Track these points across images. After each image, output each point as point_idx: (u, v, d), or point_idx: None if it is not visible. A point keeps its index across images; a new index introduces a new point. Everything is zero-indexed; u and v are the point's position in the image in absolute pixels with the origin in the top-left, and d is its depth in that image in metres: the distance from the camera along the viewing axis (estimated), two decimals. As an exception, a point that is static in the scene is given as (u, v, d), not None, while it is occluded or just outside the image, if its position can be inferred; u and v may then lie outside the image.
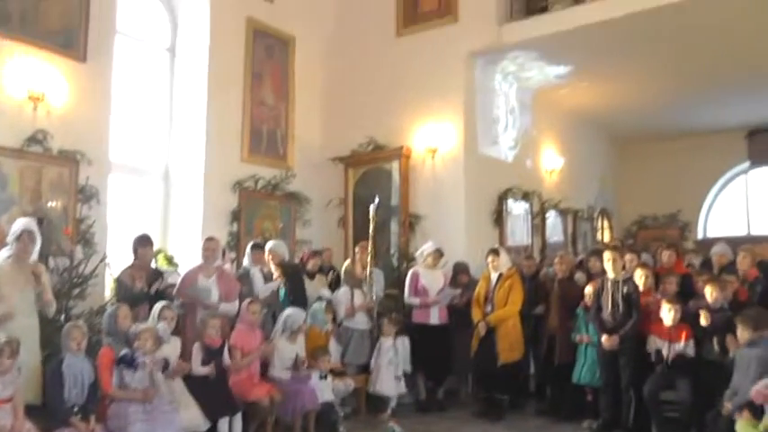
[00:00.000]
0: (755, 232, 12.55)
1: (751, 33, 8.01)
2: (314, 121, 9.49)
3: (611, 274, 6.09)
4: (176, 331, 5.38)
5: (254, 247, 6.88)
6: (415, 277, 7.14)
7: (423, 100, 8.73)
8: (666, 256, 6.97)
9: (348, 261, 7.34)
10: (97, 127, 6.84)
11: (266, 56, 8.85)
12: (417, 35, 8.96)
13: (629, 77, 9.67)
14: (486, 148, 9.03)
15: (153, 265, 6.43)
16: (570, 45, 8.43)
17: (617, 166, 13.41)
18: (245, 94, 8.48)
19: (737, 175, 12.88)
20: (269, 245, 6.91)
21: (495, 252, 6.84)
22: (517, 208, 9.50)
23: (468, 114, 8.63)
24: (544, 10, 8.35)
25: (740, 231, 12.66)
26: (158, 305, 5.34)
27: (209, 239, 6.12)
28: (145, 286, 5.75)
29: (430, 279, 7.08)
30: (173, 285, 6.05)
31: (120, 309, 5.06)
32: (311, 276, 7.13)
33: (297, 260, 7.59)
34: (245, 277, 6.57)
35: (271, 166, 8.73)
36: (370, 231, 7.04)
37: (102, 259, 6.41)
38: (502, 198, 9.15)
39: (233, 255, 7.74)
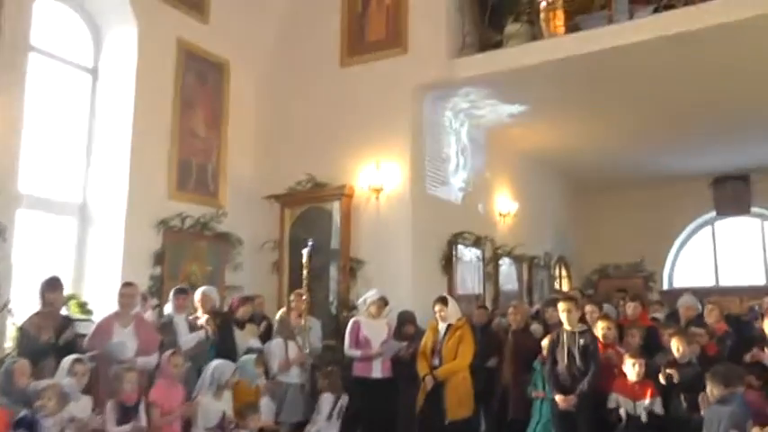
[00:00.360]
0: (724, 283, 12.96)
1: (717, 77, 8.34)
2: (248, 155, 9.57)
3: (566, 326, 6.20)
4: (88, 388, 5.22)
5: (178, 292, 6.82)
6: (357, 327, 7.16)
7: (367, 135, 8.86)
8: (631, 308, 7.16)
9: (282, 310, 7.35)
10: (5, 154, 6.66)
11: (198, 82, 8.93)
12: (363, 66, 9.10)
13: (589, 119, 10.02)
14: (435, 189, 9.18)
15: (63, 312, 6.30)
16: (525, 83, 8.68)
17: (576, 211, 13.76)
18: (173, 124, 8.48)
19: (704, 225, 13.34)
20: (201, 289, 6.93)
21: (443, 301, 6.92)
22: (468, 254, 9.64)
23: (416, 152, 8.78)
24: (498, 45, 8.62)
25: (707, 282, 13.08)
26: (68, 359, 5.18)
27: (127, 285, 6.04)
28: (52, 337, 5.60)
29: (373, 329, 7.12)
30: (84, 336, 5.91)
31: (17, 363, 4.85)
32: (241, 326, 7.08)
33: (226, 308, 7.56)
34: (167, 326, 6.52)
35: (200, 204, 8.73)
36: (304, 277, 7.04)
37: (5, 305, 6.23)
38: (452, 243, 9.25)
39: (155, 301, 7.68)
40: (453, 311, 6.92)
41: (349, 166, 8.94)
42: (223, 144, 9.19)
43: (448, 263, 9.16)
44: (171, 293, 6.88)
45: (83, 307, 7.33)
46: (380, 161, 8.73)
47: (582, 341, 6.11)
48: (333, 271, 8.82)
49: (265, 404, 6.34)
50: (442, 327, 6.89)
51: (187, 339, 6.47)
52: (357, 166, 8.91)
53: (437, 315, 6.91)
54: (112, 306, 6.03)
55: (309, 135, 9.34)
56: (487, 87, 8.87)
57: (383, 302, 7.31)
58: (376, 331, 7.13)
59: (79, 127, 7.97)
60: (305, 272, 6.90)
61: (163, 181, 8.34)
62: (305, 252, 6.94)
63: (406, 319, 7.67)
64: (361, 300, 7.50)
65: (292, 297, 7.38)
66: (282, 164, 9.40)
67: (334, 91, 9.24)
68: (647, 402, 5.71)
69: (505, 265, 10.57)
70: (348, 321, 7.41)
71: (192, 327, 6.63)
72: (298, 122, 9.53)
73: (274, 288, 9.09)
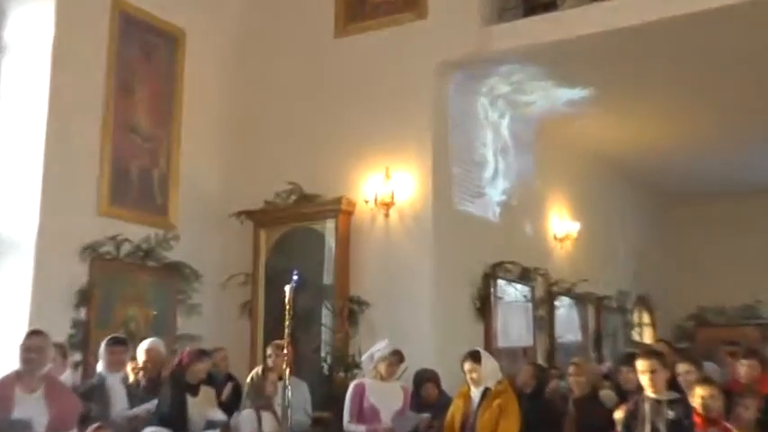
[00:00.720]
0: None
1: None
2: (210, 158, 9.59)
3: (649, 392, 6.00)
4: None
5: (113, 342, 6.83)
6: (360, 393, 7.02)
7: (373, 131, 8.90)
8: (745, 367, 7.02)
9: (256, 368, 7.21)
10: None
11: (142, 58, 8.92)
12: (366, 36, 9.11)
13: (678, 108, 10.01)
14: (466, 204, 9.20)
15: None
16: (589, 59, 8.68)
17: (662, 234, 13.76)
18: (106, 115, 8.47)
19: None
20: (146, 343, 6.98)
21: (475, 357, 6.76)
22: (512, 292, 9.58)
23: (440, 154, 8.76)
24: (551, 7, 8.58)
25: None
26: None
27: (33, 334, 5.78)
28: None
29: (382, 396, 6.97)
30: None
31: None
32: (194, 390, 6.91)
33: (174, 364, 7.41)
34: (98, 390, 6.52)
35: (142, 223, 8.71)
36: (287, 324, 6.86)
37: None
38: (489, 277, 9.26)
39: (77, 356, 7.71)
40: (491, 371, 6.77)
41: (348, 173, 8.98)
42: (175, 142, 9.18)
43: (484, 304, 9.14)
44: (102, 345, 6.87)
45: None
46: (391, 166, 8.74)
47: (672, 414, 5.89)
48: (325, 315, 8.82)
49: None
50: (475, 393, 6.74)
51: (133, 412, 6.53)
52: (359, 172, 8.95)
53: (468, 377, 6.76)
54: (15, 363, 5.76)
55: (294, 131, 9.39)
56: (536, 64, 8.86)
57: (397, 359, 7.21)
58: (387, 398, 7.00)
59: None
60: (288, 316, 6.69)
61: (90, 192, 8.33)
62: (288, 289, 6.73)
63: (426, 380, 7.64)
64: (366, 355, 7.36)
65: (269, 351, 7.36)
66: (257, 169, 9.44)
67: (327, 71, 9.26)
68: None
69: (564, 307, 10.55)
70: (347, 385, 7.35)
71: (135, 393, 6.65)
72: (277, 114, 9.57)
73: (244, 338, 9.10)
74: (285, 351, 6.69)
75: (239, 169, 9.65)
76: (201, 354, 7.26)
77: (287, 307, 6.49)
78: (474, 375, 6.74)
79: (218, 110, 9.76)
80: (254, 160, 9.58)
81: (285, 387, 6.51)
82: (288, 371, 6.62)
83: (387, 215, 8.79)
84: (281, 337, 6.90)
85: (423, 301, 8.50)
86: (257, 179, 9.38)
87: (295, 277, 6.64)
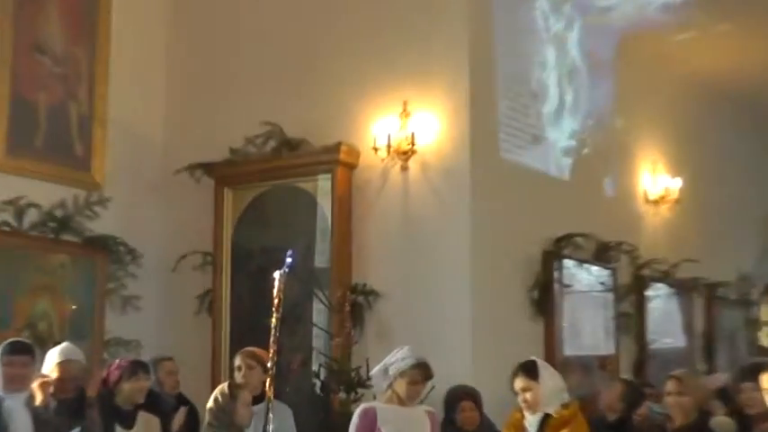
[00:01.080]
0: None
1: None
2: (152, 91, 9.68)
3: (780, 417, 5.82)
4: None
5: (12, 351, 6.79)
6: (370, 422, 6.90)
7: (384, 50, 8.88)
8: None
9: (222, 387, 7.03)
10: None
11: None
12: None
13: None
14: (517, 153, 9.15)
15: None
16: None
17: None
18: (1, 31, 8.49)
19: None
20: (58, 349, 6.98)
21: (529, 371, 6.51)
22: (584, 278, 9.53)
23: (480, 81, 8.63)
24: None
25: None
26: None
27: None
28: None
29: (401, 424, 6.88)
30: None
31: None
32: (127, 419, 6.96)
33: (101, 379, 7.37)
34: None
35: (55, 182, 8.78)
36: (273, 324, 6.62)
37: None
38: (551, 256, 9.22)
39: None
40: (552, 391, 6.51)
41: (348, 110, 8.95)
42: (100, 67, 9.22)
43: (544, 295, 9.08)
44: (-1, 353, 6.78)
45: None
46: (410, 100, 8.62)
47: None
48: (318, 312, 8.83)
49: None
50: (531, 421, 6.50)
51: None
52: (364, 108, 8.88)
53: (521, 398, 6.52)
54: None
55: (271, 52, 9.45)
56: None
57: (421, 373, 7.01)
58: (407, 428, 6.91)
59: None
60: (275, 314, 6.47)
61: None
62: (277, 277, 6.50)
63: (461, 400, 7.65)
64: (377, 368, 7.18)
65: (238, 361, 7.32)
66: (219, 107, 9.49)
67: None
68: None
69: (660, 298, 10.44)
70: (351, 410, 7.36)
71: (44, 419, 6.63)
72: (247, 29, 9.64)
73: (203, 344, 9.16)
74: (267, 361, 6.43)
75: (194, 107, 9.70)
76: (138, 367, 7.21)
77: (275, 302, 6.28)
78: (529, 396, 6.48)
79: (164, 23, 9.87)
80: (214, 94, 9.61)
81: (267, 412, 6.14)
82: (270, 390, 6.32)
83: (404, 168, 8.71)
84: (255, 343, 7.14)
85: (456, 290, 8.35)
86: (219, 120, 9.43)
87: (288, 259, 6.42)
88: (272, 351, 6.01)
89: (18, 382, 6.72)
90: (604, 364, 9.43)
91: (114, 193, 9.08)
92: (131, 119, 9.40)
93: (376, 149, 8.75)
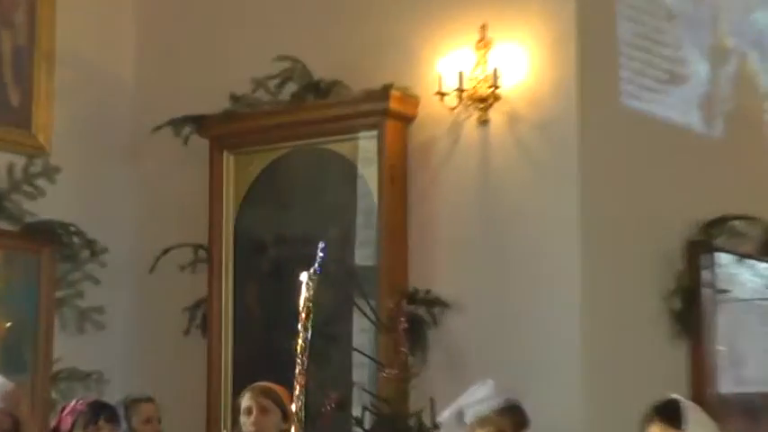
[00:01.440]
0: None
1: None
2: (120, 14, 9.19)
3: None
4: None
5: None
6: None
7: None
8: None
9: None
10: None
11: None
12: None
13: None
14: (647, 101, 8.67)
15: None
16: None
17: None
18: None
19: None
20: None
21: (668, 417, 5.20)
22: (748, 280, 8.86)
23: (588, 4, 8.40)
24: None
25: None
26: None
27: None
28: None
29: None
30: None
31: None
32: None
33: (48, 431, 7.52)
34: None
35: None
36: (299, 348, 5.21)
37: None
38: (699, 248, 8.64)
39: None
40: None
41: (401, 40, 8.29)
42: None
43: (689, 305, 8.28)
44: None
45: None
46: (491, 24, 8.00)
47: None
48: (360, 329, 8.11)
49: None
50: None
51: None
52: (425, 38, 8.25)
53: None
54: None
55: None
56: None
57: (512, 420, 5.95)
58: None
59: None
60: (302, 334, 5.07)
61: None
62: (305, 279, 5.10)
63: None
64: (448, 412, 6.10)
65: (248, 401, 6.57)
66: (217, 35, 8.89)
67: None
68: None
69: None
70: None
71: None
72: None
73: (195, 377, 8.57)
74: (294, 403, 4.94)
75: (178, 37, 9.06)
76: (100, 411, 6.30)
77: (301, 315, 4.81)
78: (672, 453, 7.17)
79: None
80: (207, 18, 8.92)
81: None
82: (295, 434, 7.24)
83: (483, 121, 7.80)
84: (270, 376, 6.76)
85: (560, 299, 7.55)
86: (215, 56, 8.78)
87: (320, 254, 5.19)
88: (296, 387, 4.62)
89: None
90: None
91: (66, 160, 8.42)
92: (90, 54, 8.74)
93: (442, 95, 7.83)
